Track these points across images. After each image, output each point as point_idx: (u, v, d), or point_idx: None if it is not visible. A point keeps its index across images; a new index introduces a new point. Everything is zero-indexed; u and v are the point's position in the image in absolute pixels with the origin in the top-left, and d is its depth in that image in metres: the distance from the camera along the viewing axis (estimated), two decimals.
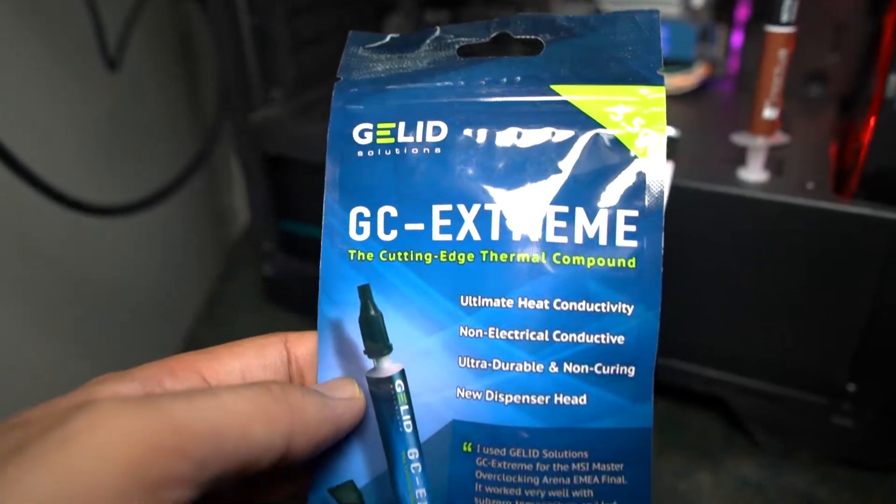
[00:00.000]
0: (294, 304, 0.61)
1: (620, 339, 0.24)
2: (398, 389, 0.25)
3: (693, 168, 0.41)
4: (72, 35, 0.52)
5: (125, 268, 0.60)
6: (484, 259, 0.25)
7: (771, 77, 0.37)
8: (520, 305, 0.25)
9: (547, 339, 0.25)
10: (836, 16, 0.52)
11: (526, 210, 0.25)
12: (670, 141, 0.40)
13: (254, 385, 0.21)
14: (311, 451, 0.22)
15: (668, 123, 0.40)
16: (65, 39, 0.52)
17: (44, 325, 0.51)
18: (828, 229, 0.37)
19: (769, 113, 0.38)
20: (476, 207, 0.25)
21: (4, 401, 0.48)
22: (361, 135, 0.26)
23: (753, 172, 0.40)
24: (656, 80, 0.25)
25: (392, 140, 0.26)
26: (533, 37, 0.27)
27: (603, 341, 0.25)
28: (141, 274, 0.63)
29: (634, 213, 0.25)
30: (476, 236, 0.25)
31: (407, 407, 0.25)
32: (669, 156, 0.40)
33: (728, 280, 0.41)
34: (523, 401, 0.25)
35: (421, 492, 0.25)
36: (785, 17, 0.35)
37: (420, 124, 0.26)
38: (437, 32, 0.28)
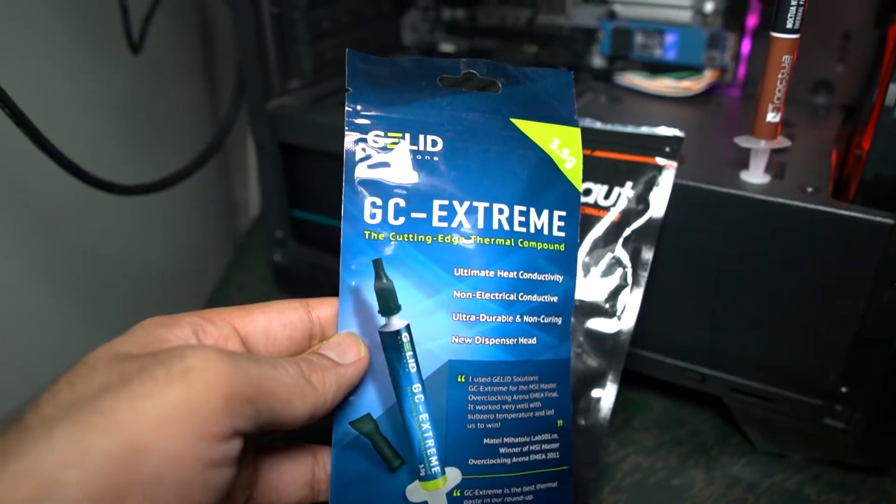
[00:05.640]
0: (303, 291, 0.61)
1: (555, 299, 0.34)
2: (404, 340, 0.32)
3: (697, 168, 0.42)
4: (99, 17, 0.54)
5: (139, 248, 0.62)
6: (473, 242, 0.33)
7: (774, 82, 0.38)
8: (498, 275, 0.33)
9: (515, 299, 0.33)
10: (844, 26, 0.53)
11: (500, 207, 0.33)
12: (676, 140, 0.41)
13: (295, 363, 0.27)
14: (329, 411, 0.29)
15: (676, 125, 0.42)
16: (93, 21, 0.53)
17: (61, 298, 0.53)
18: (824, 232, 0.38)
19: (772, 117, 0.39)
20: (466, 203, 0.33)
21: (25, 363, 0.49)
22: (375, 140, 0.33)
23: (755, 175, 0.41)
24: (574, 123, 0.36)
25: (398, 147, 0.33)
26: (491, 78, 0.36)
27: (546, 300, 0.34)
28: (155, 255, 0.64)
29: (563, 213, 0.35)
30: (466, 225, 0.33)
31: (412, 353, 0.32)
32: (674, 156, 0.41)
33: (725, 279, 0.42)
34: (501, 342, 0.33)
35: (423, 416, 0.32)
36: (789, 24, 0.36)
37: (422, 137, 0.33)
38: (424, 64, 0.35)
